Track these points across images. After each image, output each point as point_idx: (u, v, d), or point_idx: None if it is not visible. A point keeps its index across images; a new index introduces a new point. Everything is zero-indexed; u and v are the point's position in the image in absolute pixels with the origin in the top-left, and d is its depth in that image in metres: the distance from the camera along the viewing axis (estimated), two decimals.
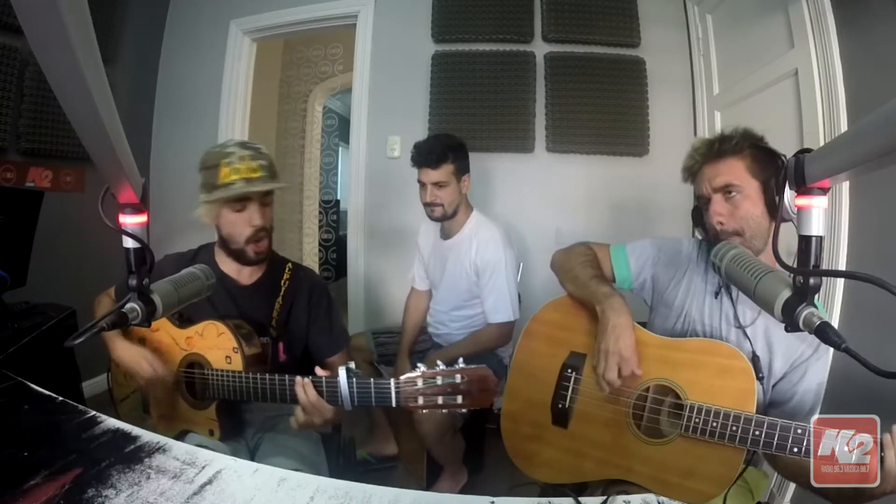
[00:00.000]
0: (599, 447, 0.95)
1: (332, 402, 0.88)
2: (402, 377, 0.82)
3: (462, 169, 1.66)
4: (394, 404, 0.82)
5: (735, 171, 0.92)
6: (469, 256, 1.66)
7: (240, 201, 1.04)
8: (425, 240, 1.88)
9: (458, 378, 0.79)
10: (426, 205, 1.66)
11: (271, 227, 1.11)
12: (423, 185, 1.65)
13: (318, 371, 0.90)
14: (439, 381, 0.80)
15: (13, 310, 1.54)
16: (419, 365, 0.82)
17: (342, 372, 0.85)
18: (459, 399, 0.79)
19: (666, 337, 0.97)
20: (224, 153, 1.03)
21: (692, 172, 1.00)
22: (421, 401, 0.80)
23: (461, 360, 0.81)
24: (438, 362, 0.81)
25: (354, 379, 0.85)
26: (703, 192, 0.96)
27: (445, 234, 1.75)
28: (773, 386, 0.95)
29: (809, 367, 0.92)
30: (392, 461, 1.88)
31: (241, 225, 1.06)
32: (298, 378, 0.90)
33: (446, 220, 1.68)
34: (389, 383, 0.82)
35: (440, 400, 0.80)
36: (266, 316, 1.12)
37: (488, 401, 0.81)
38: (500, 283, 1.62)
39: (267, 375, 0.94)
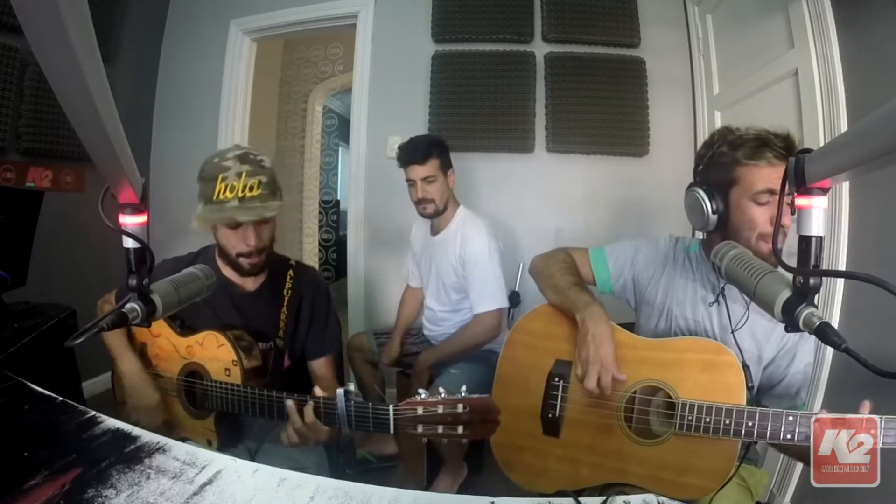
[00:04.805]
0: (593, 453, 0.94)
1: (329, 423, 0.87)
2: (402, 403, 0.80)
3: (446, 164, 1.69)
4: (391, 430, 0.80)
5: (774, 177, 0.86)
6: (455, 250, 1.67)
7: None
8: (417, 237, 1.91)
9: (460, 408, 0.76)
10: (418, 202, 1.68)
11: (272, 238, 1.08)
12: (412, 182, 1.67)
13: (316, 391, 0.89)
14: (440, 409, 0.77)
15: (13, 310, 1.54)
16: (420, 392, 0.80)
17: (340, 394, 0.83)
18: (460, 429, 0.77)
19: (651, 338, 0.97)
20: (222, 166, 0.98)
21: (736, 162, 0.90)
22: (420, 429, 0.78)
23: (464, 388, 0.79)
24: (441, 390, 0.79)
25: (353, 402, 0.83)
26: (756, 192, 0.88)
27: (434, 230, 1.78)
28: (763, 369, 0.96)
29: (798, 350, 0.94)
30: (392, 460, 1.88)
31: (236, 241, 1.02)
32: (297, 398, 0.89)
33: (438, 215, 1.70)
34: (388, 409, 0.80)
35: (440, 429, 0.77)
36: (273, 324, 1.10)
37: (491, 431, 0.79)
38: (485, 271, 1.62)
39: (265, 392, 0.93)
